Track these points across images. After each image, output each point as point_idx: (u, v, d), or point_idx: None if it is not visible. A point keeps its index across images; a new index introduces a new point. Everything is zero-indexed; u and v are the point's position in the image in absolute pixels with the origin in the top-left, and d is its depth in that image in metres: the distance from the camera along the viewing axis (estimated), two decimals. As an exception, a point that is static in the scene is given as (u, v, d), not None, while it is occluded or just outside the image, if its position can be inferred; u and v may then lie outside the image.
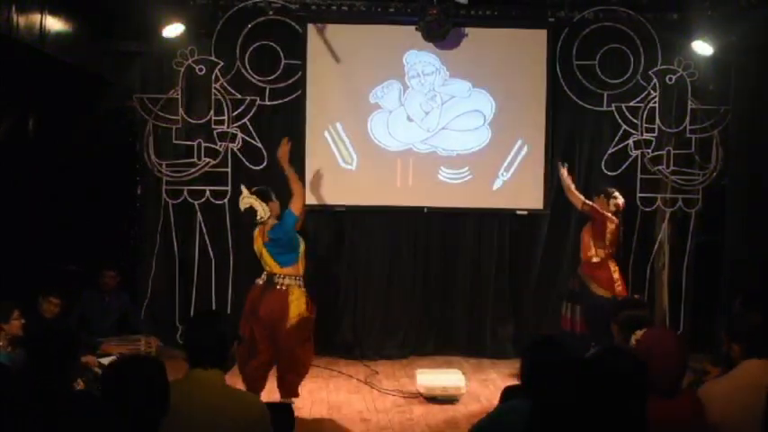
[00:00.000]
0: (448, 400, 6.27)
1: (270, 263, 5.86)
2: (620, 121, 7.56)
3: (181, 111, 7.40)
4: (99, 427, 2.60)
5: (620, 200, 6.94)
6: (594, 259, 6.86)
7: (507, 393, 3.88)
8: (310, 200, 7.52)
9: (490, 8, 7.46)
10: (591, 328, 6.67)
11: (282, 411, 4.18)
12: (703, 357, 6.51)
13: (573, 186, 7.10)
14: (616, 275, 6.84)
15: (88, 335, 6.32)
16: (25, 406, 2.92)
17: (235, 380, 5.19)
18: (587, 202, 6.92)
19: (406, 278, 7.77)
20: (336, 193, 7.59)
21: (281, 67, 7.44)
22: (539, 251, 7.76)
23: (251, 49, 7.38)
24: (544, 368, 2.95)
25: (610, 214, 6.85)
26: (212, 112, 7.40)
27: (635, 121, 7.53)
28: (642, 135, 7.52)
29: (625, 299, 6.16)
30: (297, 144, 7.54)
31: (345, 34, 7.50)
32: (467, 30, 7.46)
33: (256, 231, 5.98)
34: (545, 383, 2.85)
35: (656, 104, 7.50)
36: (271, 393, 5.89)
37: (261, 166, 7.43)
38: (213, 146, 7.44)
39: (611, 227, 6.82)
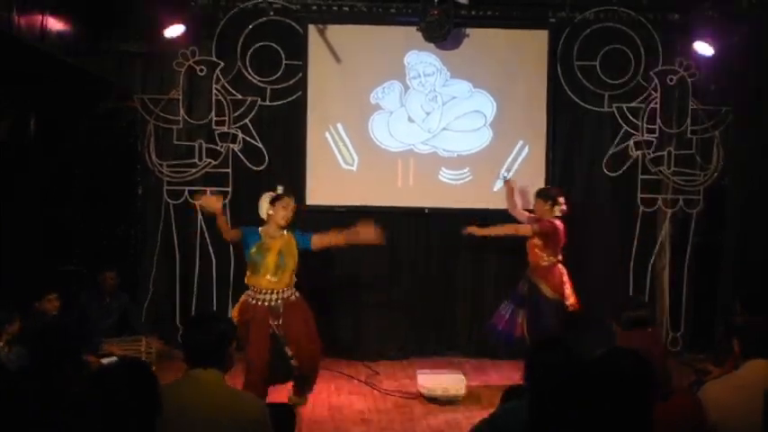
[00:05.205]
0: (449, 400, 6.26)
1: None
2: (620, 121, 7.55)
3: (182, 111, 7.41)
4: (99, 426, 2.59)
5: (565, 205, 6.51)
6: (544, 263, 6.48)
7: (508, 395, 3.88)
8: (311, 200, 7.54)
9: (491, 9, 7.46)
10: (534, 332, 6.40)
11: (283, 412, 4.17)
12: (703, 357, 6.52)
13: (519, 206, 6.73)
14: (565, 278, 6.49)
15: (89, 335, 6.31)
16: (26, 404, 2.92)
17: (235, 380, 5.18)
18: (536, 223, 6.46)
19: (406, 279, 7.76)
20: (337, 194, 7.59)
21: (282, 67, 7.43)
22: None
23: (252, 49, 7.38)
24: (549, 369, 2.94)
25: (558, 222, 6.43)
26: (213, 112, 7.40)
27: (636, 121, 7.52)
28: (643, 136, 7.51)
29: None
30: (298, 145, 7.57)
31: (346, 35, 7.50)
32: (468, 30, 7.46)
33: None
34: (549, 384, 2.84)
35: (657, 105, 7.49)
36: (270, 394, 5.88)
37: (262, 167, 7.43)
38: (214, 146, 7.44)
39: (561, 236, 6.44)
